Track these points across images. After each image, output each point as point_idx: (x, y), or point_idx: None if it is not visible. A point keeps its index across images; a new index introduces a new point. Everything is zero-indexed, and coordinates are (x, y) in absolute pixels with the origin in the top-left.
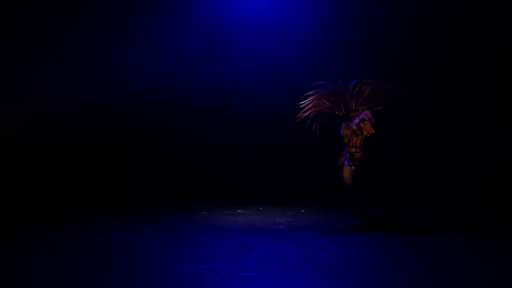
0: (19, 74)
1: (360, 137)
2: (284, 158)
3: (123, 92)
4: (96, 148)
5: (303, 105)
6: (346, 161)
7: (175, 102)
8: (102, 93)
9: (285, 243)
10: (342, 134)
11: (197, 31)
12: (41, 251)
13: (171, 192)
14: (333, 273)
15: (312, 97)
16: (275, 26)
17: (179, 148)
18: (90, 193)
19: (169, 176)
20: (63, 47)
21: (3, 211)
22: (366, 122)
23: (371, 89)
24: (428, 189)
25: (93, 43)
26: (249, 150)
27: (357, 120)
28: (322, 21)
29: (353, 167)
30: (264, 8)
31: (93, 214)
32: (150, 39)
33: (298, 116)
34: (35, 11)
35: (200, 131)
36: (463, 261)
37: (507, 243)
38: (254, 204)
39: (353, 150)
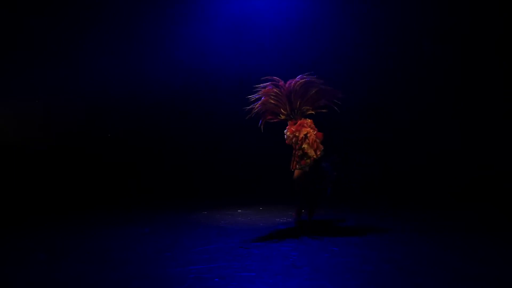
0: (26, 74)
1: (302, 145)
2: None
3: (123, 92)
4: (96, 148)
5: (251, 100)
6: (297, 165)
7: (176, 103)
8: (102, 93)
9: (285, 243)
10: (285, 135)
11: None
12: (41, 251)
13: (171, 192)
14: (333, 273)
15: (261, 92)
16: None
17: (179, 148)
18: (90, 193)
19: (169, 176)
20: (68, 47)
21: (3, 211)
22: (309, 133)
23: (317, 90)
24: (427, 189)
25: (97, 43)
26: (249, 150)
27: (298, 128)
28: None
29: (303, 169)
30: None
31: (93, 214)
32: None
33: (247, 111)
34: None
35: (200, 131)
36: (463, 261)
37: (507, 242)
38: (254, 204)
39: (300, 153)
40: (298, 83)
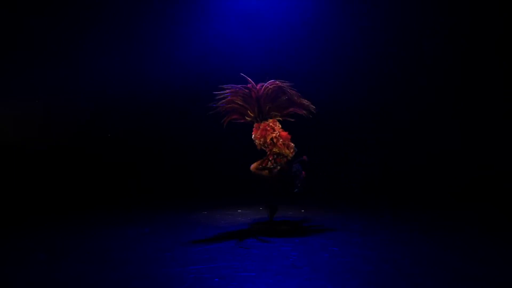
0: (25, 74)
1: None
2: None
3: (123, 92)
4: (96, 148)
5: (219, 97)
6: (273, 164)
7: (176, 103)
8: (102, 93)
9: (285, 243)
10: (253, 138)
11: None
12: (41, 251)
13: (171, 192)
14: (333, 273)
15: (229, 91)
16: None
17: (179, 148)
18: (90, 193)
19: (169, 176)
20: (68, 47)
21: (3, 211)
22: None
23: (288, 98)
24: (427, 189)
25: (97, 43)
26: (249, 150)
27: (263, 133)
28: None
29: (275, 170)
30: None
31: (93, 214)
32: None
33: (214, 106)
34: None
35: (200, 131)
36: (463, 261)
37: (507, 242)
38: (254, 204)
39: (276, 151)
40: (270, 87)
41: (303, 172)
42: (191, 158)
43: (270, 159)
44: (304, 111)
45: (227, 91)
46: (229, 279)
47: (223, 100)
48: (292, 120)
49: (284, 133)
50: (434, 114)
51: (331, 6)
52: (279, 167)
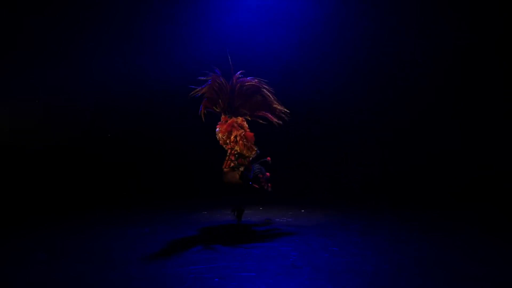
0: (25, 74)
1: (234, 147)
2: (282, 157)
3: (123, 92)
4: (96, 148)
5: (201, 81)
6: (231, 164)
7: (176, 102)
8: (102, 93)
9: (285, 243)
10: (216, 132)
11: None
12: (41, 251)
13: (171, 192)
14: (333, 273)
15: (209, 77)
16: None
17: (179, 148)
18: (90, 193)
19: (169, 176)
20: (68, 47)
21: (3, 211)
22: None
23: (263, 99)
24: (428, 189)
25: (97, 43)
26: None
27: (228, 129)
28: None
29: (238, 170)
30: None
31: (93, 214)
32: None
33: (191, 94)
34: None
35: (201, 131)
36: (463, 261)
37: (507, 242)
38: (254, 204)
39: (235, 152)
40: (248, 83)
41: (267, 173)
42: (191, 158)
43: (232, 159)
44: (276, 118)
45: (208, 77)
46: (229, 279)
47: (203, 86)
48: (263, 123)
49: (250, 134)
50: (434, 114)
51: (331, 6)
52: (242, 168)
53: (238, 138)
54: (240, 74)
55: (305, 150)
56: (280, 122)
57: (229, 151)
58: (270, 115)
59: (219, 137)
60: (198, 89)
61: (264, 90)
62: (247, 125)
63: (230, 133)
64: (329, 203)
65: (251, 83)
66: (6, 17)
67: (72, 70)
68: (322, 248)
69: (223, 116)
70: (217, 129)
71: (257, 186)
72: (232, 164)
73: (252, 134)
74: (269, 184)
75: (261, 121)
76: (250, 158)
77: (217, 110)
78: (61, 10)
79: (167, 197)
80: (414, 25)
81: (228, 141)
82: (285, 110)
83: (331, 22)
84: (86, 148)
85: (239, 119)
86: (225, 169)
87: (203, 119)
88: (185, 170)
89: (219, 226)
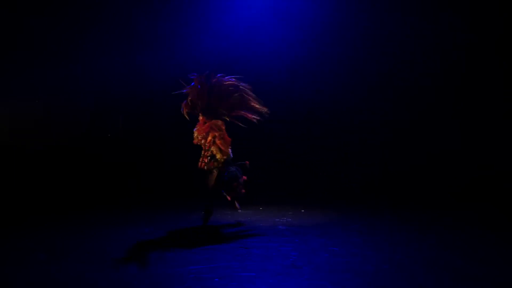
0: (26, 74)
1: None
2: (282, 157)
3: (123, 92)
4: (96, 148)
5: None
6: (205, 166)
7: (176, 102)
8: (102, 93)
9: (285, 243)
10: (194, 131)
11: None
12: (41, 251)
13: (171, 192)
14: (333, 273)
15: (194, 79)
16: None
17: (179, 148)
18: (90, 193)
19: (169, 176)
20: (68, 47)
21: (3, 211)
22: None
23: (241, 99)
24: (428, 189)
25: (97, 43)
26: (249, 150)
27: (206, 129)
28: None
29: (213, 171)
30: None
31: (93, 214)
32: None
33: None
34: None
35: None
36: (463, 261)
37: (507, 242)
38: (254, 204)
39: (209, 154)
40: (225, 83)
41: (244, 177)
42: (191, 158)
43: (205, 161)
44: (255, 116)
45: (193, 79)
46: (229, 279)
47: (189, 87)
48: (242, 125)
49: (228, 139)
50: (434, 114)
51: (331, 6)
52: (215, 170)
53: (216, 140)
54: (219, 75)
55: (305, 150)
56: (259, 118)
57: (203, 152)
58: (248, 114)
59: (195, 135)
60: (184, 91)
61: (242, 88)
62: (224, 129)
63: (207, 134)
64: (329, 203)
65: (229, 82)
66: (6, 17)
67: (72, 70)
68: (322, 248)
69: (201, 117)
70: (196, 128)
71: (230, 189)
72: (205, 165)
73: (230, 139)
74: (243, 190)
75: (240, 124)
76: (222, 161)
77: (196, 111)
78: (61, 10)
79: (167, 197)
80: (414, 25)
81: (203, 141)
82: (264, 108)
83: (330, 22)
84: (86, 148)
85: (219, 122)
86: (204, 168)
87: (188, 118)
88: (185, 170)
89: (219, 226)
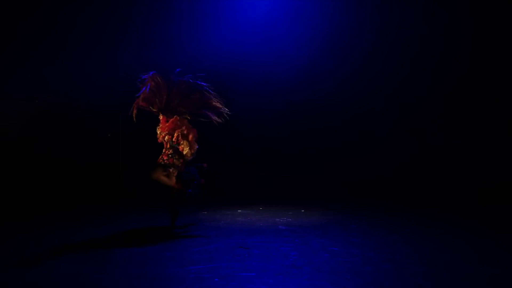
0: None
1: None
2: (281, 157)
3: (123, 92)
4: (96, 148)
5: (140, 83)
6: (164, 162)
7: None
8: (102, 93)
9: (285, 243)
10: (157, 130)
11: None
12: (40, 251)
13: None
14: (333, 273)
15: (148, 77)
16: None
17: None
18: (91, 193)
19: None
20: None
21: (4, 211)
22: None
23: (201, 97)
24: (427, 189)
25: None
26: (248, 150)
27: (171, 126)
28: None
29: (172, 170)
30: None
31: (93, 214)
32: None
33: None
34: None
35: (201, 131)
36: (463, 261)
37: (507, 242)
38: (254, 204)
39: (170, 152)
40: (185, 82)
41: (202, 180)
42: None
43: (165, 158)
44: (215, 116)
45: (147, 77)
46: (229, 279)
47: (145, 87)
48: (203, 120)
49: (194, 131)
50: (439, 116)
51: (330, 6)
52: (174, 169)
53: (186, 134)
54: (177, 73)
55: (305, 150)
56: (220, 120)
57: (164, 150)
58: (209, 113)
59: (158, 134)
60: (141, 92)
61: (202, 88)
62: (187, 123)
63: (173, 130)
64: (329, 203)
65: (189, 81)
66: (6, 17)
67: (72, 70)
68: (322, 248)
69: (162, 116)
70: (159, 127)
71: (187, 189)
72: (166, 158)
73: (195, 131)
74: (199, 191)
75: (203, 119)
76: (187, 158)
77: (154, 110)
78: (61, 10)
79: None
80: (416, 26)
81: (167, 139)
82: (224, 107)
83: (331, 22)
84: (86, 148)
85: (184, 121)
86: (162, 163)
87: (135, 119)
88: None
89: (219, 226)
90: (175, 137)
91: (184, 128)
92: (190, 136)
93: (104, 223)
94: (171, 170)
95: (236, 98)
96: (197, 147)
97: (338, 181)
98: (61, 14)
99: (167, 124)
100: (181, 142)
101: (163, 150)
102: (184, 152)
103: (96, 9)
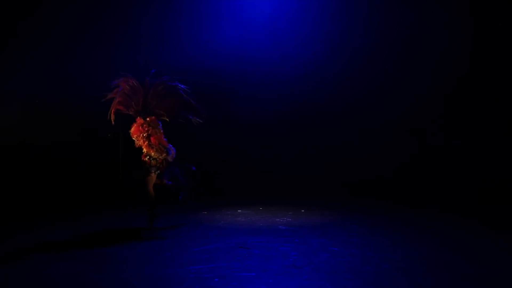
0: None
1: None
2: (282, 157)
3: None
4: (96, 148)
5: (111, 86)
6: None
7: None
8: (102, 92)
9: (285, 243)
10: (131, 134)
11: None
12: (41, 251)
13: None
14: (333, 273)
15: (120, 80)
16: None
17: (178, 147)
18: (91, 193)
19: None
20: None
21: (4, 211)
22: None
23: (179, 99)
24: (427, 189)
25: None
26: (249, 150)
27: (141, 129)
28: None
29: (152, 174)
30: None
31: (93, 214)
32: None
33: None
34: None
35: (200, 131)
36: (463, 261)
37: (507, 242)
38: (254, 204)
39: (144, 152)
40: (162, 84)
41: (189, 180)
42: (191, 158)
43: (144, 159)
44: (194, 118)
45: (119, 80)
46: (229, 279)
47: (116, 90)
48: (183, 121)
49: (160, 135)
50: (439, 116)
51: (330, 7)
52: (155, 170)
53: (148, 136)
54: (152, 75)
55: (305, 150)
56: (199, 121)
57: (144, 153)
58: (187, 115)
59: (131, 135)
60: (110, 94)
61: (179, 90)
62: (159, 126)
63: (138, 134)
64: (329, 203)
65: (165, 83)
66: (6, 17)
67: (72, 70)
68: (322, 248)
69: (138, 118)
70: (131, 130)
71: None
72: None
73: (162, 136)
74: (184, 190)
75: (182, 120)
76: (159, 161)
77: (131, 113)
78: (61, 10)
79: (167, 197)
80: (417, 26)
81: (140, 142)
82: (201, 109)
83: (330, 21)
84: (86, 148)
85: (149, 120)
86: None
87: (113, 121)
88: (185, 171)
89: (219, 226)
90: (140, 140)
91: (146, 131)
92: (153, 139)
93: (104, 223)
94: (152, 172)
95: (236, 98)
96: (170, 149)
97: (338, 181)
98: (61, 14)
99: (134, 127)
100: (144, 145)
101: (142, 153)
102: (152, 155)
103: (96, 9)
